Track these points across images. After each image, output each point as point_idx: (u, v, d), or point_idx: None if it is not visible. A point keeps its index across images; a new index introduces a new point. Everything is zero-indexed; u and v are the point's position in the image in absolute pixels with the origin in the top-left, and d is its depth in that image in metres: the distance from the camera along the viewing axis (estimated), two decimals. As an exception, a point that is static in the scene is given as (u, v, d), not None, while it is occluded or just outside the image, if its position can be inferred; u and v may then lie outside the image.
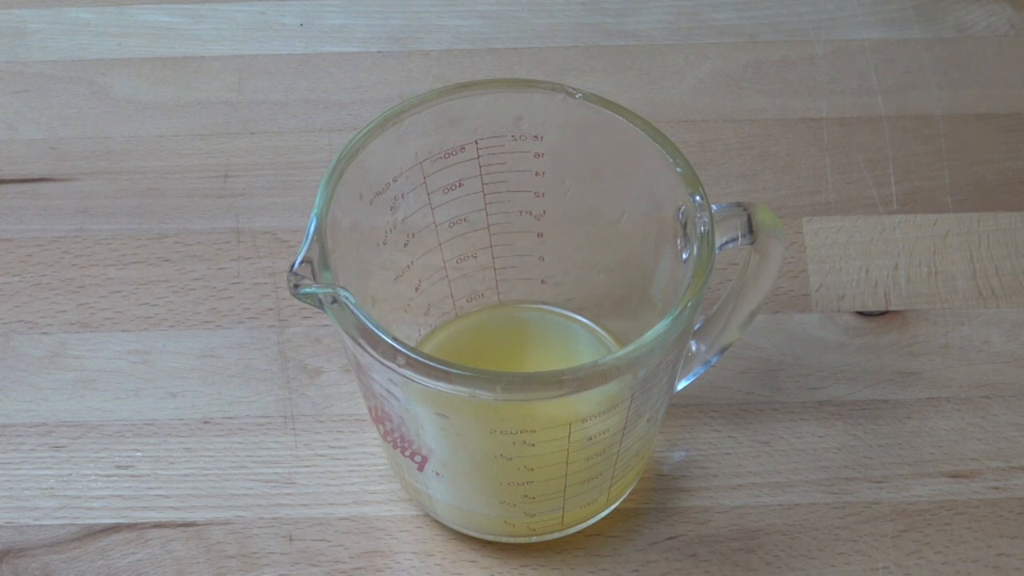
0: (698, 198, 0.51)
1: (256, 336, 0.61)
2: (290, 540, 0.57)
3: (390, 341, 0.47)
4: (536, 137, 0.54)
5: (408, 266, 0.55)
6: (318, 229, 0.49)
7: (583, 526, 0.57)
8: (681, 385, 0.58)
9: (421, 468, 0.53)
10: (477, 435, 0.51)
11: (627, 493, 0.57)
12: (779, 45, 0.71)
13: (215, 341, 0.61)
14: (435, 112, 0.52)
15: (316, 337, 0.61)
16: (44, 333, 0.62)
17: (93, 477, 0.58)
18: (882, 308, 0.62)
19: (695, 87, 0.69)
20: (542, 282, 0.59)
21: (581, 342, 0.59)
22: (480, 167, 0.54)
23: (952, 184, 0.66)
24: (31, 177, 0.66)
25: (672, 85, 0.69)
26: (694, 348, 0.57)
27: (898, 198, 0.66)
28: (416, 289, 0.56)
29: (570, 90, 0.52)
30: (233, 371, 0.61)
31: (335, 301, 0.48)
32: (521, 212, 0.56)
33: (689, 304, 0.49)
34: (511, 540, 0.56)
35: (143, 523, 0.57)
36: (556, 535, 0.56)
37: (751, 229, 0.52)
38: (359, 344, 0.48)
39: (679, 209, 0.51)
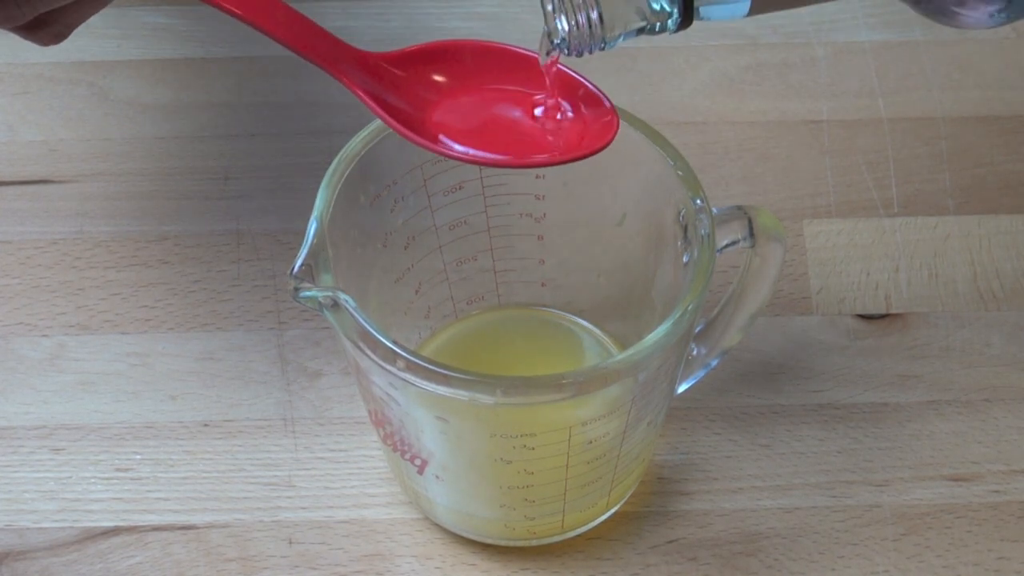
0: (698, 201, 0.51)
1: (256, 338, 0.61)
2: (290, 543, 0.57)
3: (390, 344, 0.47)
4: (536, 139, 0.53)
5: (408, 268, 0.55)
6: (318, 232, 0.49)
7: (583, 529, 0.57)
8: (681, 388, 0.57)
9: (421, 471, 0.53)
10: (477, 438, 0.51)
11: (627, 496, 0.57)
12: (780, 47, 0.70)
13: (215, 343, 0.61)
14: (435, 114, 0.52)
15: (316, 339, 0.61)
16: (43, 335, 0.62)
17: (92, 480, 0.58)
18: (883, 311, 0.62)
19: (695, 89, 0.69)
20: (542, 285, 0.59)
21: (581, 345, 0.59)
22: (480, 170, 0.54)
23: (953, 186, 0.66)
24: (31, 179, 0.66)
25: (672, 87, 0.69)
26: (694, 351, 0.57)
27: (899, 200, 0.66)
28: (416, 292, 0.56)
29: (571, 92, 0.52)
30: (233, 374, 0.61)
31: (335, 304, 0.48)
32: (521, 215, 0.56)
33: (690, 307, 0.49)
34: (511, 543, 0.56)
35: (142, 526, 0.57)
36: (556, 538, 0.56)
37: (751, 232, 0.52)
38: (359, 347, 0.48)
39: (679, 212, 0.51)
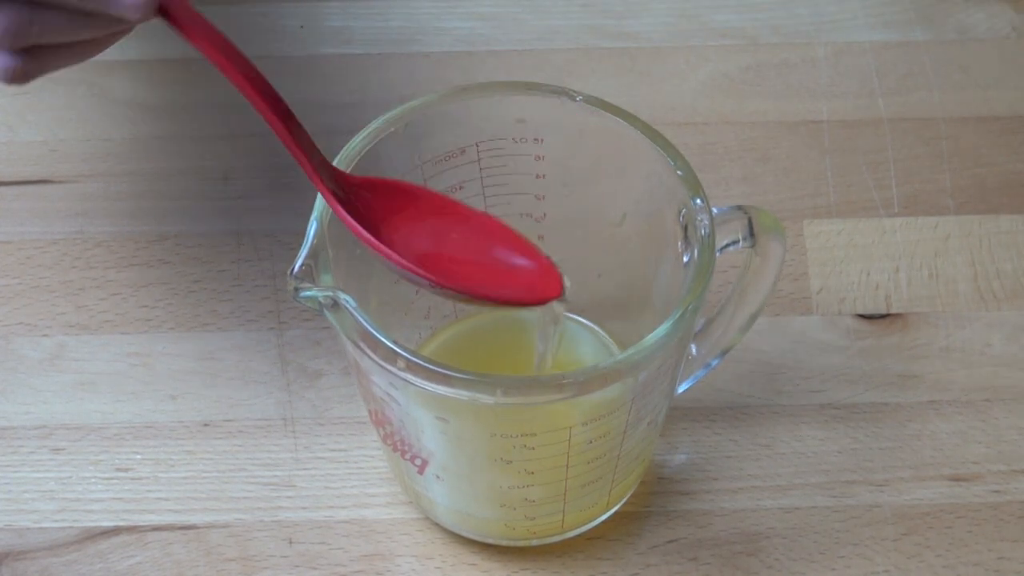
0: (699, 201, 0.51)
1: (256, 338, 0.61)
2: (290, 543, 0.57)
3: (390, 344, 0.47)
4: (537, 140, 0.53)
5: (408, 269, 0.55)
6: (318, 232, 0.49)
7: (584, 529, 0.57)
8: (682, 388, 0.57)
9: (421, 471, 0.53)
10: (477, 438, 0.51)
11: (628, 496, 0.57)
12: (780, 47, 0.70)
13: (215, 343, 0.61)
14: (435, 115, 0.52)
15: (316, 339, 0.61)
16: (44, 335, 0.62)
17: (93, 480, 0.58)
18: (883, 311, 0.62)
19: (696, 89, 0.69)
20: (543, 285, 0.58)
21: (581, 345, 0.59)
22: (480, 169, 0.54)
23: (953, 187, 0.66)
24: (31, 179, 0.66)
25: (673, 87, 0.69)
26: (695, 351, 0.56)
27: (899, 200, 0.66)
28: (416, 292, 0.56)
29: (571, 93, 0.52)
30: (233, 374, 0.60)
31: (335, 304, 0.48)
32: (522, 215, 0.56)
33: (690, 307, 0.49)
34: (512, 543, 0.56)
35: (143, 526, 0.57)
36: (556, 538, 0.56)
37: (752, 232, 0.52)
38: (359, 347, 0.48)
39: (680, 212, 0.51)
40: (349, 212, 0.48)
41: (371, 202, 0.50)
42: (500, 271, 0.51)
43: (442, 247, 0.50)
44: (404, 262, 0.48)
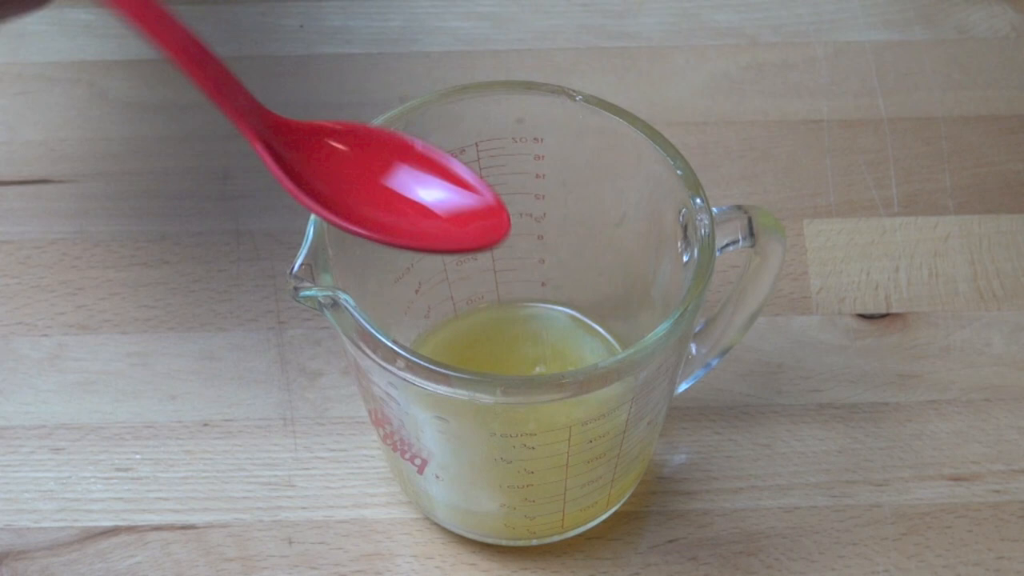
0: (698, 200, 0.51)
1: (256, 338, 0.61)
2: (289, 543, 0.57)
3: (389, 344, 0.47)
4: (536, 139, 0.53)
5: (408, 268, 0.55)
6: (318, 231, 0.49)
7: (583, 529, 0.57)
8: (682, 388, 0.57)
9: (421, 471, 0.53)
10: (477, 438, 0.51)
11: (627, 496, 0.57)
12: (780, 47, 0.70)
13: (214, 343, 0.61)
14: (435, 114, 0.52)
15: (316, 339, 0.61)
16: (43, 335, 0.62)
17: (92, 479, 0.58)
18: (883, 311, 0.62)
19: (695, 89, 0.69)
20: (542, 284, 0.59)
21: (581, 344, 0.59)
22: (480, 169, 0.54)
23: (953, 186, 0.66)
24: (30, 179, 0.66)
25: (672, 87, 0.69)
26: (694, 351, 0.57)
27: (899, 200, 0.66)
28: (416, 291, 0.56)
29: (570, 92, 0.52)
30: (232, 373, 0.60)
31: (335, 304, 0.48)
32: (521, 214, 0.56)
33: (690, 307, 0.49)
34: (511, 543, 0.56)
35: (142, 526, 0.57)
36: (556, 538, 0.56)
37: (752, 232, 0.52)
38: (359, 347, 0.48)
39: (679, 212, 0.51)
40: (289, 162, 0.46)
41: (317, 150, 0.48)
42: (449, 217, 0.48)
43: (391, 196, 0.48)
44: (338, 220, 0.46)
